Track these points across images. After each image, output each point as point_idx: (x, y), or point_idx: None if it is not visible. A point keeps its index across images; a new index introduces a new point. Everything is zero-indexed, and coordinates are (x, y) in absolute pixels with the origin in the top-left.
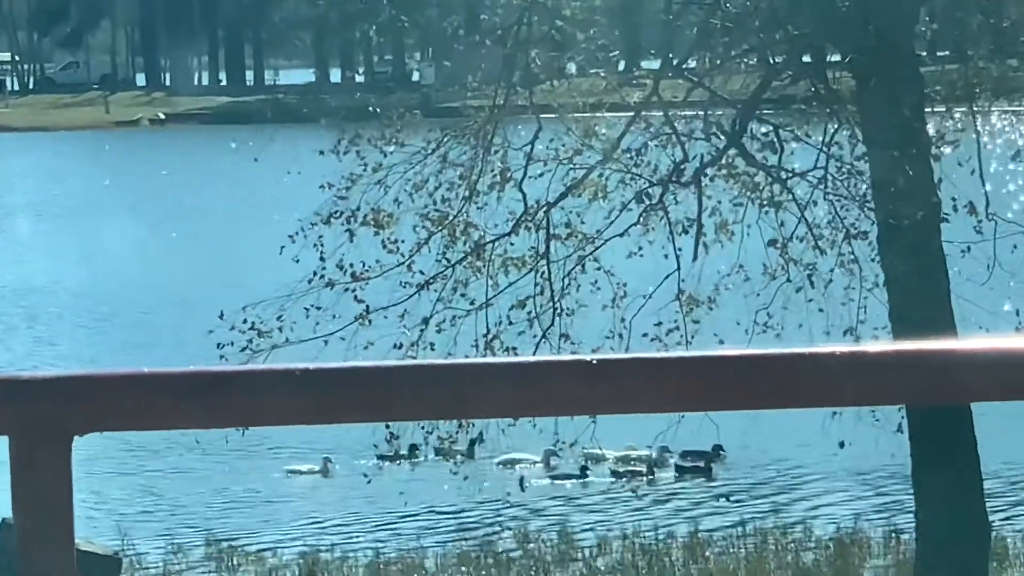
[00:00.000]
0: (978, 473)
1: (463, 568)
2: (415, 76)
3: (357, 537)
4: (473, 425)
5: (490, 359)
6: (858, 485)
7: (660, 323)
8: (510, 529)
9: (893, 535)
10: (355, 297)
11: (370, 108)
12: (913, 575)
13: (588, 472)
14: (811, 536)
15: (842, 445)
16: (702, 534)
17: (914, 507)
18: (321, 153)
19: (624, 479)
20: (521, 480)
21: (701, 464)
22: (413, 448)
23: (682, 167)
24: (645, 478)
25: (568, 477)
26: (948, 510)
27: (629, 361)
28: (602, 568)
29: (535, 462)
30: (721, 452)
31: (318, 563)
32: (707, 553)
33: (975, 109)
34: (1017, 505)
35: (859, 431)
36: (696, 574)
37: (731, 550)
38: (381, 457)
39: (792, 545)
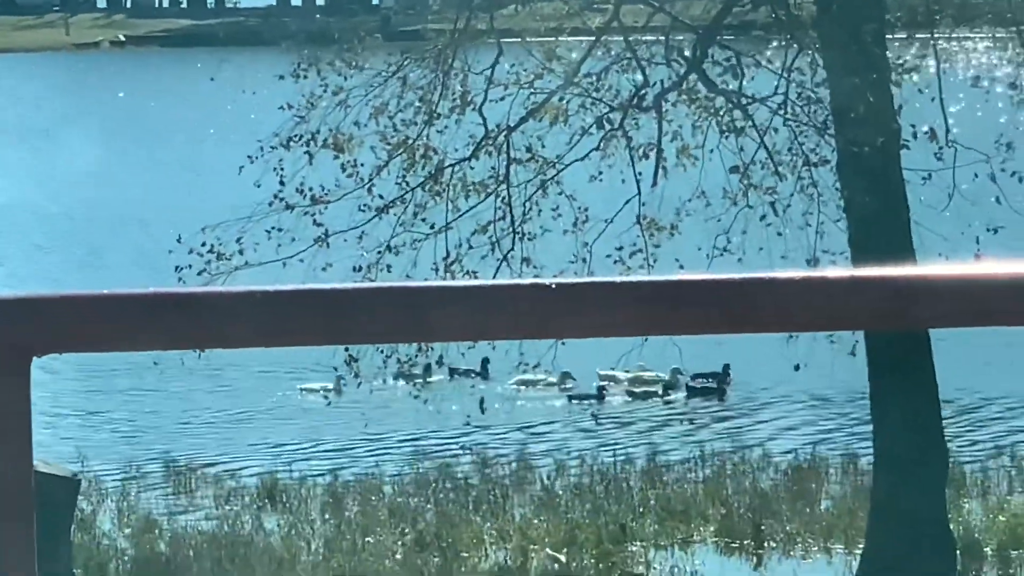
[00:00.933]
0: (936, 399)
1: (421, 491)
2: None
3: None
4: (433, 348)
5: (450, 282)
6: (818, 410)
7: (621, 247)
8: (470, 451)
9: (851, 462)
10: (314, 220)
11: (331, 31)
12: (870, 501)
13: (606, 393)
14: (769, 461)
15: (797, 368)
16: (660, 459)
17: (872, 433)
18: (281, 78)
19: (639, 400)
20: (481, 402)
21: (713, 384)
22: (428, 368)
23: (643, 92)
24: (660, 399)
25: (585, 398)
26: (906, 436)
27: (588, 285)
28: (560, 492)
29: (551, 383)
30: (730, 373)
31: (277, 486)
32: (665, 478)
33: (936, 35)
34: (975, 431)
35: (822, 356)
36: (653, 499)
37: (689, 475)
38: (398, 376)
39: (750, 470)
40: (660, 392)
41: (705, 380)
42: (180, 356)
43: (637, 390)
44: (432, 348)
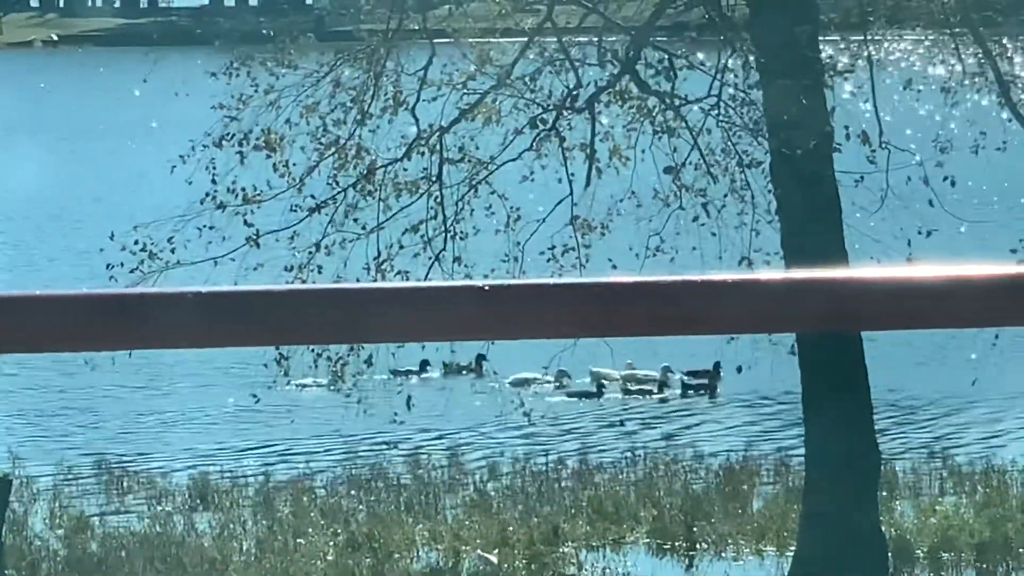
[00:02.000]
0: (868, 401)
1: (351, 492)
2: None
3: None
4: (364, 348)
5: (382, 283)
6: (751, 411)
7: (553, 247)
8: (400, 451)
9: (783, 463)
10: (244, 220)
11: (264, 31)
12: (802, 502)
13: (604, 390)
14: (701, 462)
15: (740, 370)
16: (593, 459)
17: (804, 434)
18: (213, 75)
19: (637, 396)
20: (408, 400)
21: (705, 381)
22: (424, 364)
23: (575, 93)
24: (656, 396)
25: (584, 395)
26: (838, 438)
27: (521, 287)
28: (492, 493)
29: (548, 381)
30: (721, 370)
31: (209, 486)
32: (597, 479)
33: (869, 38)
34: (907, 433)
35: (754, 357)
36: (585, 500)
37: (621, 476)
38: (394, 372)
39: (682, 471)
40: (656, 390)
41: (699, 377)
42: (111, 356)
43: (633, 387)
44: (363, 348)
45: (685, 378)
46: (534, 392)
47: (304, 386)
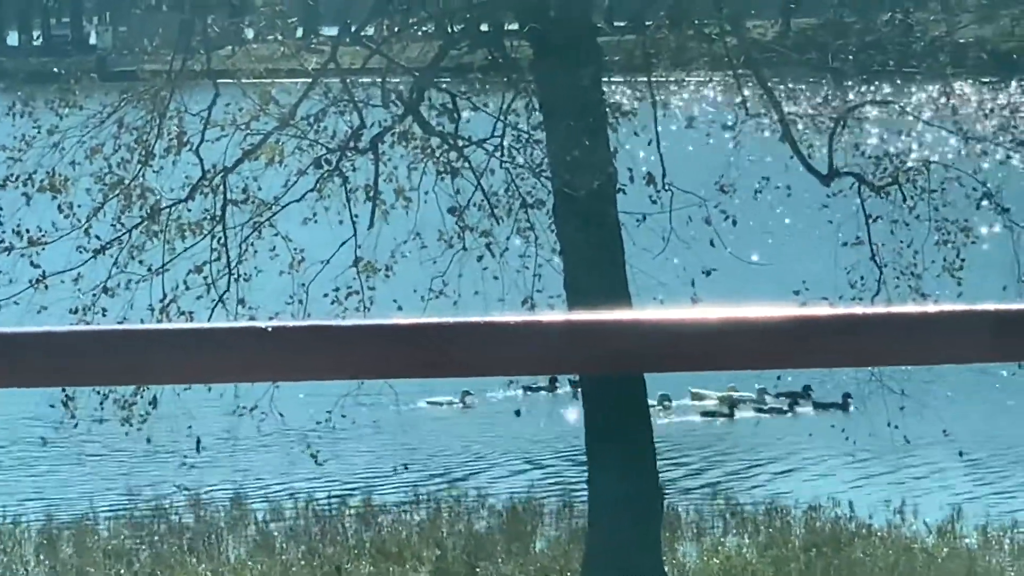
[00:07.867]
0: (651, 442)
1: (135, 534)
2: (93, 39)
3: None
4: (148, 389)
5: (165, 325)
6: (535, 454)
7: (337, 288)
8: (187, 491)
9: (566, 504)
10: (31, 262)
11: (53, 69)
12: (585, 543)
13: (736, 410)
14: (484, 504)
15: (518, 413)
16: (376, 500)
17: (587, 476)
18: None
19: (768, 415)
20: (198, 442)
21: (840, 402)
22: (553, 381)
23: (359, 133)
24: (787, 414)
25: (717, 415)
26: (620, 479)
27: (304, 328)
28: (276, 534)
29: (652, 405)
30: (811, 392)
31: None
32: (380, 519)
33: (652, 80)
34: (690, 474)
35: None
36: (368, 541)
37: (404, 517)
38: (527, 388)
39: (465, 512)
40: (786, 408)
41: (821, 397)
42: None
43: (765, 407)
44: (147, 389)
45: (815, 399)
46: (662, 414)
47: (439, 404)
